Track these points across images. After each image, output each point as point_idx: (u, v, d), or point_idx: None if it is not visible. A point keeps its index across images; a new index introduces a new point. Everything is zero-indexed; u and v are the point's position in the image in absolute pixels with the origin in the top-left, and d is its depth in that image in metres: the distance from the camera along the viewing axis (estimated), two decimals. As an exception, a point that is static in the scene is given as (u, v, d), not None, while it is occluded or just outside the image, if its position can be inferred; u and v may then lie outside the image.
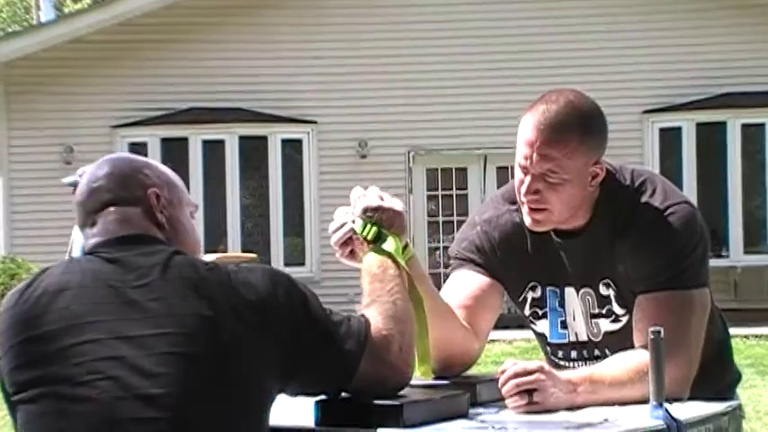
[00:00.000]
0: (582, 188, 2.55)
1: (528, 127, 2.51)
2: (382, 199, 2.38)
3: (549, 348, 2.77)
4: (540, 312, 2.72)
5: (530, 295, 2.72)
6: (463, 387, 2.37)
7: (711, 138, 15.35)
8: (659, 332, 2.11)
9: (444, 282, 2.78)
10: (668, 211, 2.54)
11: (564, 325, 2.70)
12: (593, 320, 2.66)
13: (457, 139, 15.45)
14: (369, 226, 2.34)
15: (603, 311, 2.64)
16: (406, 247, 2.37)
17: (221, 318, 1.99)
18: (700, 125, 15.31)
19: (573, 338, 2.70)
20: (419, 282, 2.39)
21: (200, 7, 15.60)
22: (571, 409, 2.33)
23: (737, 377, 2.90)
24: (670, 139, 15.40)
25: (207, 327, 1.97)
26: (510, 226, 2.70)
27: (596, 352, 2.68)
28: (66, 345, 1.98)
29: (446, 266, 2.78)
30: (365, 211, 2.36)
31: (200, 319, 1.97)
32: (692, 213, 2.57)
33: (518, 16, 15.49)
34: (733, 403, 2.50)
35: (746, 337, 12.39)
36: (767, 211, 15.43)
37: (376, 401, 2.13)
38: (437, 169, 15.87)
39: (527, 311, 2.74)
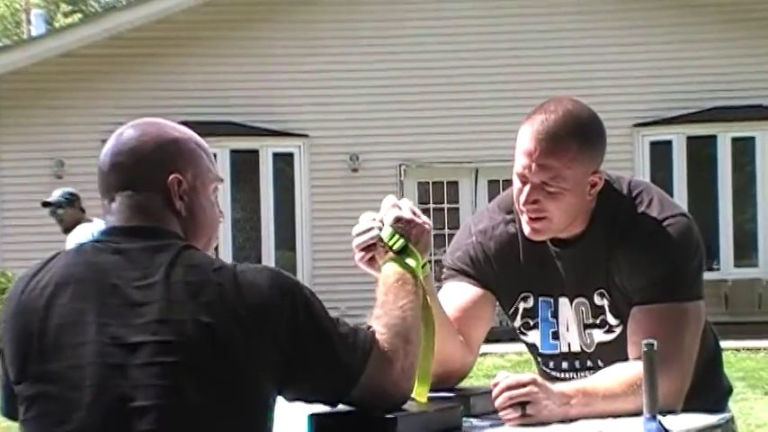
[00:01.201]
0: (581, 197, 2.55)
1: (526, 137, 2.51)
2: (415, 213, 2.37)
3: (540, 359, 2.77)
4: (531, 323, 2.72)
5: (521, 306, 2.71)
6: (457, 399, 2.37)
7: (702, 151, 15.37)
8: (652, 345, 2.11)
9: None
10: (665, 223, 2.55)
11: (555, 336, 2.70)
12: (587, 331, 2.66)
13: (448, 153, 15.45)
14: (397, 236, 2.33)
15: (597, 322, 2.64)
16: (424, 266, 2.36)
17: (219, 321, 1.97)
18: (690, 139, 15.34)
19: (565, 349, 2.70)
20: (429, 299, 2.38)
21: (191, 21, 15.59)
22: (564, 421, 2.32)
23: (729, 389, 2.90)
24: (660, 152, 15.42)
25: (204, 332, 1.96)
26: (505, 236, 2.70)
27: (589, 363, 2.67)
28: (64, 343, 1.98)
29: (438, 279, 2.78)
30: (398, 220, 2.35)
31: (197, 324, 1.97)
32: (689, 226, 2.58)
33: (509, 30, 15.51)
34: (726, 415, 2.51)
35: (738, 350, 12.38)
36: (758, 224, 15.45)
37: (370, 415, 2.12)
38: (428, 183, 15.86)
39: (518, 322, 2.73)
